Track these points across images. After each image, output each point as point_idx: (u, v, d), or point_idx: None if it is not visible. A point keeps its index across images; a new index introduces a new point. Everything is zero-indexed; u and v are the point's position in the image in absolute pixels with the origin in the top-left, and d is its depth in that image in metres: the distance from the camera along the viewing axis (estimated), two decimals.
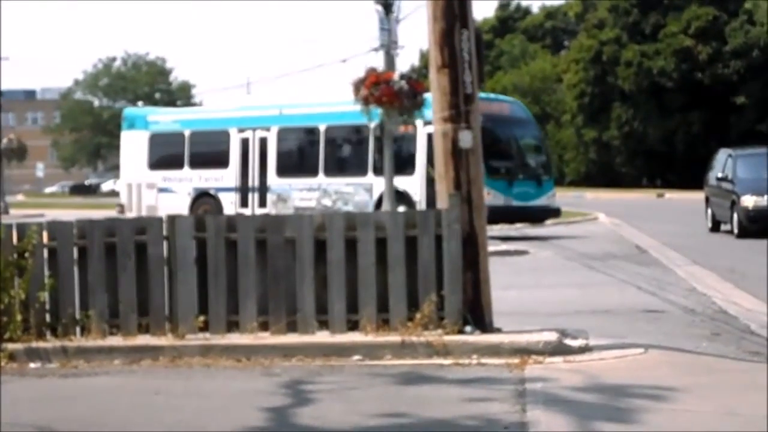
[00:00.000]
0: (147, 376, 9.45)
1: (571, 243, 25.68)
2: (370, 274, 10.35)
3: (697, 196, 52.63)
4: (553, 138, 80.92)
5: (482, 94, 34.32)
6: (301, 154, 30.74)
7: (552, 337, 9.98)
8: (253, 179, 29.75)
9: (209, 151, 31.35)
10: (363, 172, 27.87)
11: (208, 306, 10.48)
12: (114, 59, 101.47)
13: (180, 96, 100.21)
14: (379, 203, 26.01)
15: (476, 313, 10.30)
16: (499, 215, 26.23)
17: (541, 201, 28.15)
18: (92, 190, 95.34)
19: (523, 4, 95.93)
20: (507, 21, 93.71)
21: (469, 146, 10.56)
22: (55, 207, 54.66)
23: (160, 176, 31.33)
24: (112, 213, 29.86)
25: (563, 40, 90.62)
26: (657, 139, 65.64)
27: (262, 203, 29.32)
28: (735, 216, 25.88)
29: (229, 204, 29.68)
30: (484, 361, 9.55)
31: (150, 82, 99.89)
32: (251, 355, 9.95)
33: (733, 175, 26.72)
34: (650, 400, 7.99)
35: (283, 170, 29.45)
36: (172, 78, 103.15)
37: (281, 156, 29.78)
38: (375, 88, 20.18)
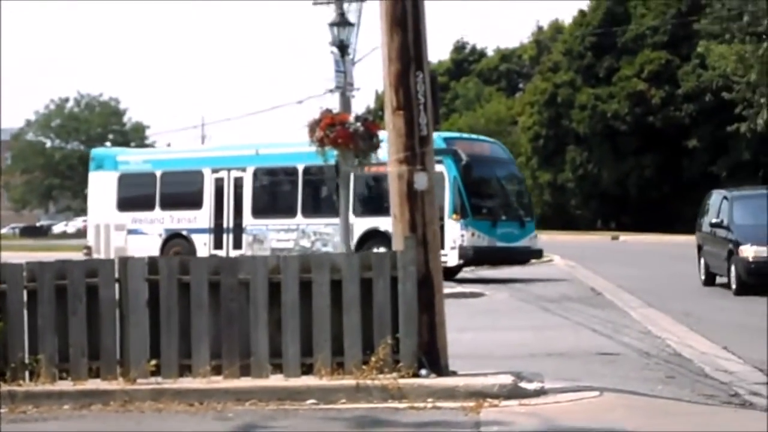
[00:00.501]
0: (97, 422, 9.33)
1: (527, 285, 25.72)
2: (325, 316, 10.31)
3: (651, 239, 53.25)
4: None
5: (464, 135, 32.14)
6: (278, 194, 30.42)
7: (507, 380, 9.97)
8: (228, 220, 29.40)
9: (182, 192, 30.85)
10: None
11: (160, 349, 10.39)
12: (66, 100, 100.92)
13: (134, 137, 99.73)
14: (359, 244, 26.12)
15: (432, 355, 10.27)
16: (484, 256, 26.55)
17: (524, 242, 27.79)
18: (43, 232, 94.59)
19: (479, 46, 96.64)
20: (462, 63, 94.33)
21: (424, 188, 10.58)
22: (5, 249, 54.03)
23: (130, 217, 30.88)
24: (64, 255, 29.50)
25: (518, 82, 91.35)
26: (611, 181, 66.19)
27: (237, 245, 28.87)
28: (732, 269, 21.97)
29: (203, 245, 29.27)
30: (439, 404, 9.52)
31: (103, 123, 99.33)
32: (204, 399, 9.85)
33: (729, 221, 22.93)
34: None
35: (260, 211, 29.14)
36: (125, 119, 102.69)
37: (257, 196, 29.46)
38: (330, 129, 20.15)
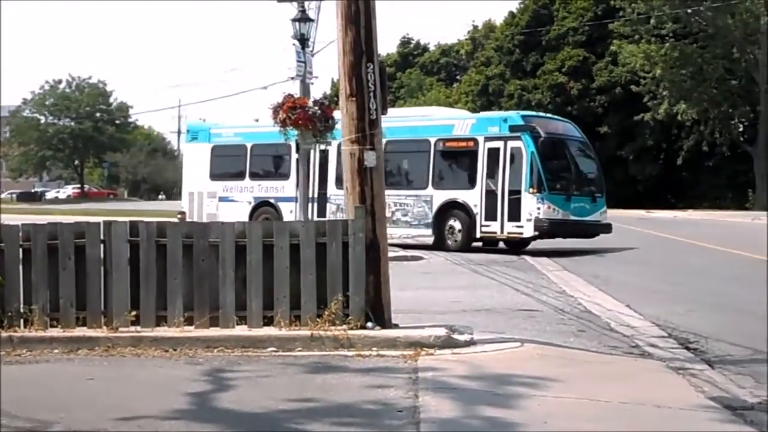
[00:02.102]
0: (83, 364, 9.26)
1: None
2: (285, 275, 10.29)
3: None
4: None
5: (541, 114, 30.70)
6: None
7: (442, 332, 10.01)
8: (314, 190, 26.63)
9: (270, 163, 29.45)
10: (423, 184, 25.92)
11: (139, 302, 10.33)
12: (60, 81, 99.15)
13: (118, 116, 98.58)
14: (437, 215, 25.23)
15: (377, 310, 10.30)
16: (557, 229, 24.29)
17: (594, 216, 25.29)
18: (38, 198, 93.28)
19: (422, 42, 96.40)
20: (407, 57, 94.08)
21: (373, 165, 10.57)
22: (3, 212, 53.31)
23: (221, 186, 29.45)
24: (56, 218, 28.98)
25: (455, 74, 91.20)
26: None
27: (321, 213, 26.79)
28: None
29: (289, 213, 27.24)
30: (382, 352, 9.55)
31: (91, 103, 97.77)
32: (177, 346, 9.81)
33: None
34: (524, 388, 8.06)
35: (343, 181, 27.74)
36: (112, 99, 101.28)
37: (340, 168, 28.29)
38: (292, 112, 20.05)
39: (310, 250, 10.29)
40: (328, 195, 27.14)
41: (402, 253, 23.14)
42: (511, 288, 16.41)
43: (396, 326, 10.38)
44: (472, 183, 24.90)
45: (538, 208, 23.65)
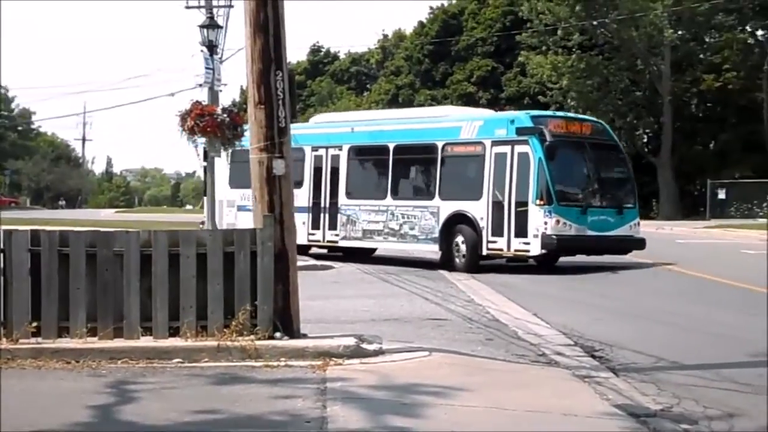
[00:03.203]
0: None
1: (370, 259, 25.72)
2: (191, 285, 10.17)
3: None
4: None
5: (558, 113, 26.05)
6: (369, 174, 25.34)
7: (351, 342, 10.00)
8: (325, 199, 24.88)
9: None
10: (430, 195, 22.94)
11: (41, 313, 10.10)
12: None
13: (20, 123, 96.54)
14: (444, 229, 22.21)
15: (285, 320, 10.24)
16: (571, 245, 21.11)
17: (621, 231, 21.81)
18: None
19: (332, 50, 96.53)
20: (318, 65, 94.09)
21: (281, 173, 10.53)
22: None
23: (239, 194, 26.23)
24: None
25: (366, 83, 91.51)
26: None
27: (333, 225, 24.62)
28: None
29: (301, 224, 23.97)
30: (291, 363, 9.50)
31: None
32: (80, 357, 9.61)
33: None
34: (432, 397, 8.09)
35: (353, 191, 24.55)
36: (13, 105, 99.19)
37: (350, 176, 24.77)
38: (200, 119, 19.92)
39: (218, 260, 10.18)
40: (339, 205, 24.71)
41: (312, 262, 23.09)
42: (420, 297, 16.47)
43: (305, 336, 10.33)
44: (478, 193, 21.68)
45: (545, 223, 20.53)
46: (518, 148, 21.05)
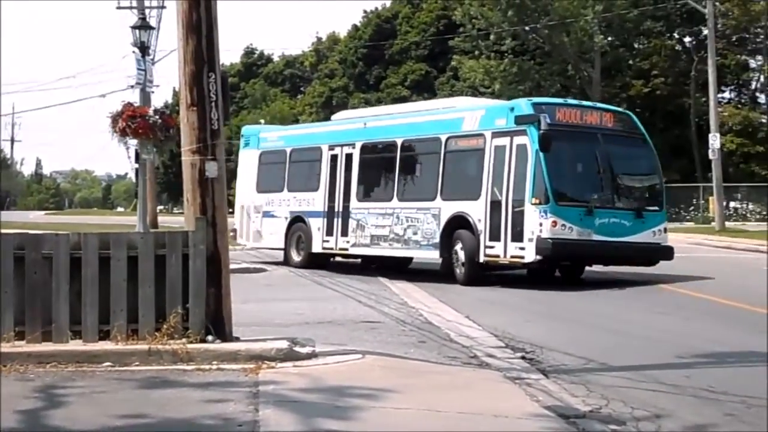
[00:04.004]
0: None
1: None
2: (122, 288, 10.04)
3: None
4: None
5: (569, 101, 21.10)
6: (379, 173, 22.79)
7: (283, 345, 9.97)
8: (339, 203, 22.83)
9: (304, 171, 24.43)
10: (432, 194, 20.37)
11: None
12: None
13: None
14: (445, 233, 19.73)
15: (218, 324, 10.17)
16: (571, 252, 18.35)
17: (640, 237, 18.87)
18: None
19: (266, 52, 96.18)
20: (251, 67, 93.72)
21: (214, 176, 10.44)
22: None
23: (265, 199, 25.01)
24: None
25: (300, 86, 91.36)
26: None
27: (345, 231, 22.53)
28: None
29: (317, 230, 23.08)
30: (223, 366, 9.43)
31: None
32: (7, 362, 9.42)
33: None
34: (365, 399, 8.09)
35: (363, 193, 22.57)
36: None
37: (362, 176, 22.63)
38: (132, 121, 19.66)
39: (149, 263, 10.07)
40: (350, 208, 22.53)
41: (245, 264, 22.97)
42: (354, 300, 16.48)
43: (237, 339, 10.27)
44: (477, 192, 19.18)
45: (540, 225, 17.94)
46: (516, 140, 18.66)
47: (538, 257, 18.05)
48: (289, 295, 17.64)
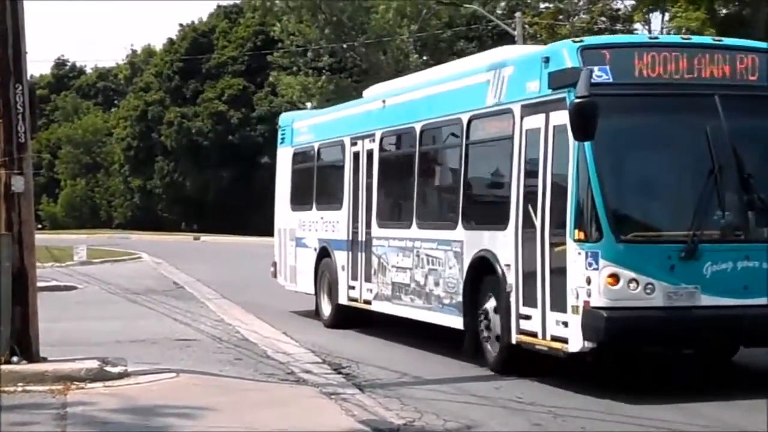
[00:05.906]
0: None
1: (117, 280, 24.83)
2: None
3: (228, 240, 53.74)
4: (103, 185, 79.55)
5: (652, 38, 10.94)
6: (398, 182, 14.32)
7: (93, 364, 9.73)
8: (362, 229, 14.73)
9: (331, 179, 16.43)
10: (451, 219, 12.09)
11: None
12: None
13: None
14: (469, 282, 11.37)
15: (24, 343, 9.83)
16: (658, 331, 9.55)
17: None
18: None
19: (78, 64, 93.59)
20: (63, 79, 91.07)
21: (21, 191, 10.11)
22: None
23: (298, 219, 17.21)
24: None
25: (114, 98, 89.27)
26: (194, 189, 66.18)
27: (368, 274, 14.36)
28: None
29: (341, 270, 15.19)
30: (29, 388, 9.11)
31: None
32: None
33: None
34: (179, 418, 7.99)
35: (384, 214, 14.36)
36: None
37: (381, 187, 14.44)
38: None
39: None
40: (371, 237, 14.36)
41: (54, 282, 22.22)
42: (169, 318, 16.20)
43: (45, 360, 9.95)
44: (503, 215, 10.90)
45: (588, 280, 9.46)
46: (554, 118, 10.11)
47: (588, 344, 9.49)
48: (101, 313, 17.18)
